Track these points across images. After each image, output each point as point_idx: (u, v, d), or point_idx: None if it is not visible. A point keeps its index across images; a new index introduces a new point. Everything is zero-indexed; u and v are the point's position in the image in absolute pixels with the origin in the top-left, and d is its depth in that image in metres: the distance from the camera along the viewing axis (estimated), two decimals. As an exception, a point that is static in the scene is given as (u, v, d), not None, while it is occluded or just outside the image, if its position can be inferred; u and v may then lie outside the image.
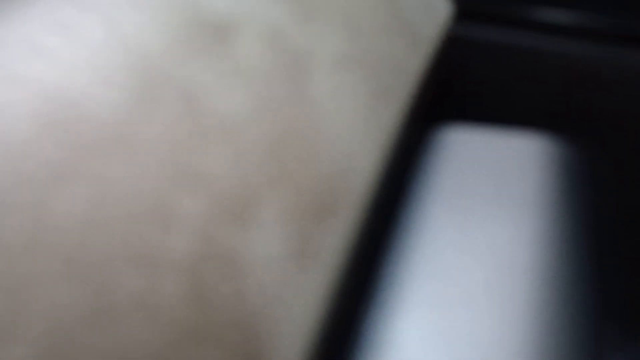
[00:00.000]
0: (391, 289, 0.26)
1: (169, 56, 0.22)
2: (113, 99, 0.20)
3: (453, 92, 0.38)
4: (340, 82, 0.27)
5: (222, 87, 0.23)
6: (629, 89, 0.35)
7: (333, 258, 0.23)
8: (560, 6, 0.35)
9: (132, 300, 0.17)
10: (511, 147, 0.33)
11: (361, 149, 0.26)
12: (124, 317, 0.17)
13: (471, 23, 0.37)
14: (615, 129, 0.37)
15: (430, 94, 0.38)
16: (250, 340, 0.19)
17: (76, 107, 0.19)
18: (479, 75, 0.38)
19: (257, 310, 0.20)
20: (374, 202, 0.28)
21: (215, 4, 0.24)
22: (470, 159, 0.32)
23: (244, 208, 0.21)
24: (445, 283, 0.26)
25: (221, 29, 0.24)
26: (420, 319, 0.25)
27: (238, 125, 0.22)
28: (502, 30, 0.36)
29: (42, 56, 0.20)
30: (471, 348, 0.24)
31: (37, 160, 0.18)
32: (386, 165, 0.29)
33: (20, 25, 0.21)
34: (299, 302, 0.21)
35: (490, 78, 0.38)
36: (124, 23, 0.22)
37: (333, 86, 0.26)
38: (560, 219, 0.30)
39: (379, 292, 0.26)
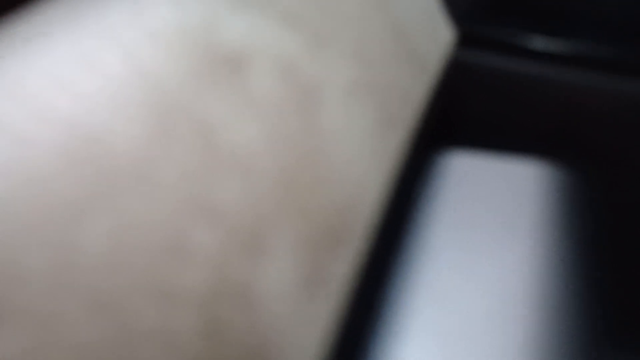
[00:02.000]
0: (396, 315, 0.27)
1: (185, 89, 0.23)
2: (132, 134, 0.21)
3: (455, 116, 0.39)
4: (350, 112, 0.27)
5: (236, 119, 0.23)
6: (626, 117, 0.36)
7: (341, 286, 0.24)
8: (560, 35, 0.36)
9: (151, 334, 0.18)
10: (512, 173, 0.34)
11: (369, 176, 0.27)
12: (143, 351, 0.18)
13: (472, 49, 0.38)
14: (613, 156, 0.38)
15: (434, 119, 0.38)
16: (263, 370, 0.20)
17: (98, 141, 0.20)
18: (480, 100, 0.38)
19: (269, 340, 0.20)
20: (380, 230, 0.28)
21: (229, 36, 0.25)
22: (473, 184, 0.33)
23: (256, 239, 0.22)
24: (449, 309, 0.27)
25: (235, 60, 0.25)
26: (425, 346, 0.25)
27: (251, 157, 0.23)
28: (502, 57, 0.37)
29: (64, 90, 0.21)
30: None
31: (61, 196, 0.18)
32: (392, 192, 0.29)
33: (42, 59, 0.21)
34: (308, 331, 0.22)
35: (490, 103, 0.38)
36: (142, 56, 0.23)
37: (343, 116, 0.27)
38: (559, 243, 0.31)
39: (384, 319, 0.27)
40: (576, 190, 0.34)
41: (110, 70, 0.22)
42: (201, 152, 0.22)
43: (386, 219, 0.30)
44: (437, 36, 0.35)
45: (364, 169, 0.27)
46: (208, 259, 0.20)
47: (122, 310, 0.18)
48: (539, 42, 0.37)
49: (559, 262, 0.30)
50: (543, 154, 0.38)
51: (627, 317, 0.41)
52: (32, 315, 0.16)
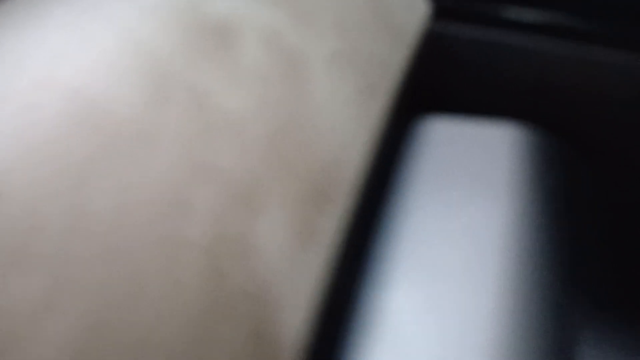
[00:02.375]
0: (381, 267, 0.29)
1: (177, 59, 0.24)
2: (130, 99, 0.22)
3: (433, 86, 0.41)
4: (332, 79, 0.29)
5: (227, 86, 0.25)
6: (598, 85, 0.38)
7: (330, 238, 0.26)
8: (533, 5, 0.38)
9: (158, 279, 0.20)
10: (489, 135, 0.36)
11: (352, 139, 0.29)
12: (152, 295, 0.19)
13: (448, 21, 0.39)
14: (585, 121, 0.40)
15: (413, 87, 0.40)
16: (260, 310, 0.22)
17: (97, 106, 0.22)
18: (457, 70, 0.40)
19: (266, 284, 0.22)
20: (364, 189, 0.30)
21: (217, 9, 0.27)
22: (450, 147, 0.35)
23: (250, 195, 0.23)
24: (429, 261, 0.29)
25: (224, 32, 0.26)
26: (407, 292, 0.27)
27: (242, 121, 0.25)
28: (476, 28, 0.39)
29: (64, 61, 0.22)
30: (452, 316, 0.27)
31: (68, 155, 0.20)
32: (374, 154, 0.31)
33: (41, 34, 0.23)
34: (301, 277, 0.24)
35: (467, 74, 0.40)
36: (135, 29, 0.24)
37: (326, 83, 0.29)
38: (534, 203, 0.33)
39: (370, 269, 0.29)
40: (551, 151, 0.36)
41: (105, 42, 0.23)
42: (196, 116, 0.23)
43: (370, 179, 0.32)
44: (414, 9, 0.37)
45: (348, 132, 0.29)
46: (207, 213, 0.22)
47: (130, 257, 0.19)
48: (513, 13, 0.39)
49: (533, 219, 0.32)
50: (517, 118, 0.40)
51: (601, 277, 0.44)
52: (47, 258, 0.18)
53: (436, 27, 0.40)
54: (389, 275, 0.28)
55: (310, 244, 0.25)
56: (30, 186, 0.19)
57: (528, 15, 0.38)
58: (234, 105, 0.25)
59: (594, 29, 0.37)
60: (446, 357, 0.25)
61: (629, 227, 0.42)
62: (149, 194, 0.21)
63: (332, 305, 0.26)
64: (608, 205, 0.42)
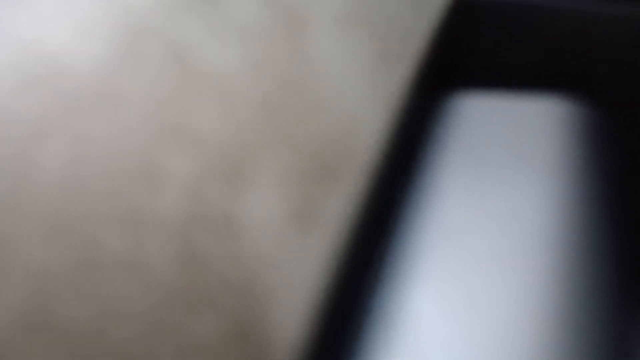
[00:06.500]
0: (401, 257, 0.25)
1: (155, 11, 0.21)
2: (96, 54, 0.19)
3: (463, 55, 0.37)
4: (342, 42, 0.25)
5: (214, 43, 0.21)
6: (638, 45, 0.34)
7: (337, 223, 0.22)
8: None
9: (117, 258, 0.16)
10: (524, 111, 0.31)
11: (365, 110, 0.25)
12: (109, 276, 0.16)
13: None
14: (628, 88, 0.35)
15: (440, 57, 0.36)
16: (245, 305, 0.18)
17: (57, 61, 0.18)
18: (488, 38, 0.36)
19: (253, 273, 0.19)
20: (380, 168, 0.26)
21: (206, -42, 0.23)
22: (482, 124, 0.31)
23: (237, 168, 0.20)
24: (459, 250, 0.25)
25: (212, -17, 0.23)
26: (432, 289, 0.23)
27: (231, 82, 0.21)
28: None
29: (20, 10, 0.19)
30: (484, 316, 0.22)
31: (15, 115, 0.17)
32: (395, 129, 0.27)
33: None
34: (298, 267, 0.20)
35: (499, 41, 0.36)
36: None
37: (333, 45, 0.25)
38: (576, 180, 0.28)
39: (387, 260, 0.25)
40: (591, 124, 0.32)
41: (72, -9, 0.20)
42: (174, 75, 0.20)
43: (389, 158, 0.28)
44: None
45: (359, 103, 0.25)
46: (182, 185, 0.18)
47: (83, 232, 0.16)
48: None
49: (575, 199, 0.28)
50: (555, 88, 0.36)
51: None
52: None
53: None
54: (409, 269, 0.24)
55: (311, 228, 0.21)
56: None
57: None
58: (221, 64, 0.21)
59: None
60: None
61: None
62: (110, 162, 0.17)
63: (336, 303, 0.22)
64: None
